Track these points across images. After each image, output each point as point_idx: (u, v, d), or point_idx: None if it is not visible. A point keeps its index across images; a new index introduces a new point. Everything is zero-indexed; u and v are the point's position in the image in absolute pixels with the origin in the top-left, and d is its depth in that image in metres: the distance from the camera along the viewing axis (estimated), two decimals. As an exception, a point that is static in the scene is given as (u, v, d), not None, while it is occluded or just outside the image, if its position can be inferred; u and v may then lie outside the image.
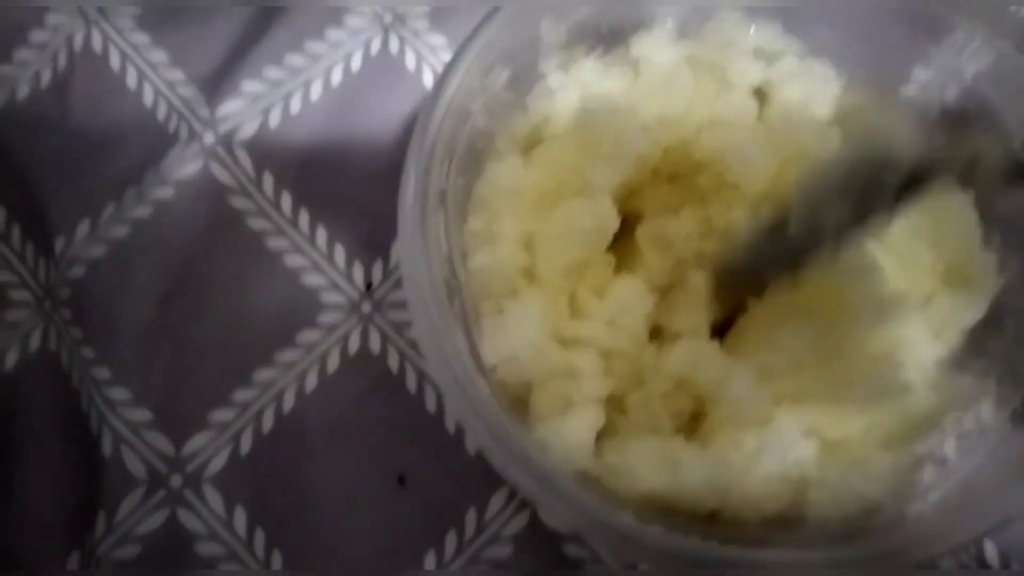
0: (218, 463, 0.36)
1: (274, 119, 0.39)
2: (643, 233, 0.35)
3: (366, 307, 0.38)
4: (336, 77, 0.40)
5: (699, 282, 0.33)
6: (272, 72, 0.40)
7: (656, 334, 0.34)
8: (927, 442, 0.30)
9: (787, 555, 0.26)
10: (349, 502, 0.35)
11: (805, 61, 0.35)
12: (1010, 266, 0.32)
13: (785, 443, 0.29)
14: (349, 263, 0.38)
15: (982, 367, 0.32)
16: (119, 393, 0.36)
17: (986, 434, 0.30)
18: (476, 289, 0.30)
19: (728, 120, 0.35)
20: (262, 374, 0.37)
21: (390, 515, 0.35)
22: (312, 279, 0.38)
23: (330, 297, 0.38)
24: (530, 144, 0.34)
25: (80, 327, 0.37)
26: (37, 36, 0.40)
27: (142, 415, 0.36)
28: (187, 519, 0.35)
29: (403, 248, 0.27)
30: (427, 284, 0.26)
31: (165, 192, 0.38)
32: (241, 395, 0.36)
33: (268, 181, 0.39)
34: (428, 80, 0.41)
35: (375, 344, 0.37)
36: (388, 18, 0.41)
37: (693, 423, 0.33)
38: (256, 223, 0.38)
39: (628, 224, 0.35)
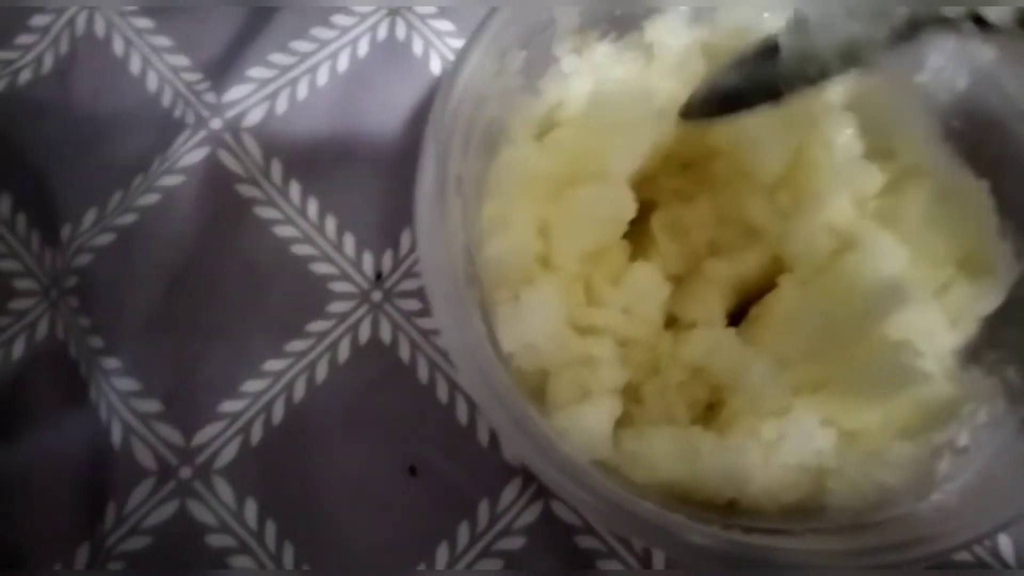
0: (228, 454, 0.35)
1: (281, 105, 0.39)
2: (657, 221, 0.35)
3: (376, 296, 0.37)
4: (343, 63, 0.40)
5: (715, 271, 0.33)
6: (278, 58, 0.40)
7: (671, 323, 0.34)
8: (945, 432, 0.30)
9: (807, 543, 0.26)
10: (360, 493, 0.35)
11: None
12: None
13: (803, 433, 0.29)
14: (359, 252, 0.38)
15: (998, 358, 0.32)
16: (128, 384, 0.35)
17: (1002, 425, 0.30)
18: (492, 276, 0.30)
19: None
20: (272, 364, 0.36)
21: (402, 506, 0.35)
22: (321, 268, 0.38)
23: (340, 286, 0.37)
24: (544, 130, 0.34)
25: (87, 316, 0.36)
26: (38, 20, 0.40)
27: (151, 406, 0.35)
28: (197, 511, 0.34)
29: (421, 233, 0.26)
30: (446, 270, 0.26)
31: (173, 179, 0.37)
32: (251, 385, 0.36)
33: (276, 169, 0.38)
34: (436, 66, 0.40)
35: (386, 334, 0.37)
36: (396, 3, 0.40)
37: (709, 413, 0.33)
38: (264, 211, 0.38)
39: (642, 213, 0.34)
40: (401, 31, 0.40)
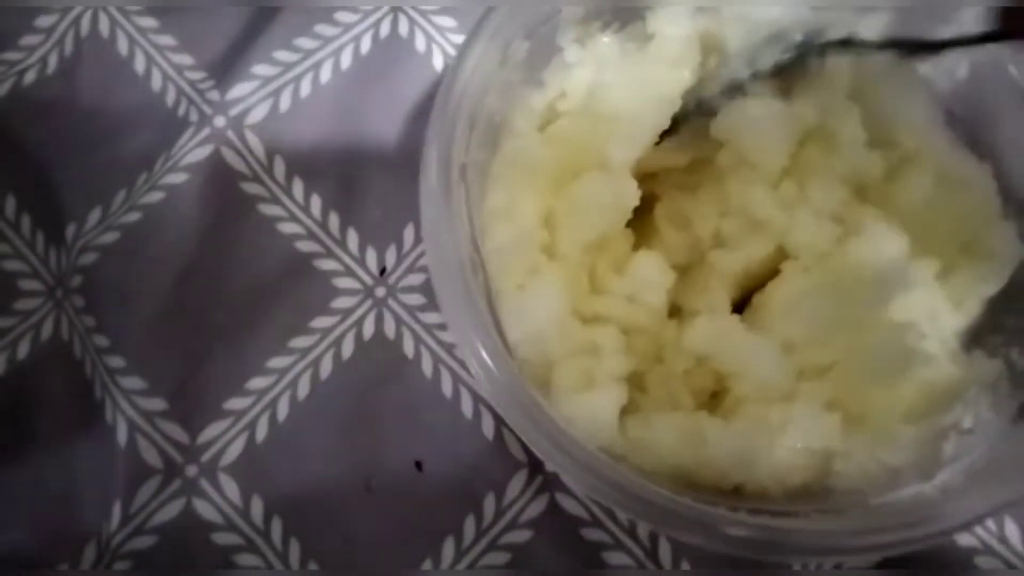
0: (234, 452, 0.35)
1: (284, 102, 0.39)
2: (661, 211, 0.35)
3: (380, 292, 0.37)
4: (346, 60, 0.40)
5: (720, 262, 0.33)
6: (282, 55, 0.40)
7: (675, 313, 0.34)
8: (949, 415, 0.30)
9: (813, 524, 0.26)
10: (367, 489, 0.35)
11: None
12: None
13: (809, 417, 0.29)
14: (362, 248, 0.38)
15: (1002, 340, 0.32)
16: (133, 382, 0.35)
17: (1007, 406, 0.30)
18: (497, 266, 0.30)
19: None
20: (277, 361, 0.36)
21: (408, 501, 0.35)
22: (325, 264, 0.38)
23: (344, 282, 0.37)
24: (547, 121, 0.34)
25: (92, 315, 0.36)
26: (43, 21, 0.40)
27: (156, 404, 0.35)
28: (203, 509, 0.34)
29: (426, 222, 0.26)
30: (451, 258, 0.26)
31: (177, 177, 0.37)
32: (256, 383, 0.36)
33: (279, 166, 0.38)
34: (438, 62, 0.40)
35: (390, 329, 0.37)
36: (396, 1, 0.41)
37: (714, 400, 0.33)
38: (268, 209, 0.38)
39: (645, 206, 0.34)
40: (404, 27, 0.40)
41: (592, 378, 0.30)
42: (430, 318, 0.37)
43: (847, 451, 0.29)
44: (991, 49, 0.32)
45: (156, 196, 0.37)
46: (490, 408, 0.36)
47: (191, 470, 0.35)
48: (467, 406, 0.36)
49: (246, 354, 0.36)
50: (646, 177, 0.35)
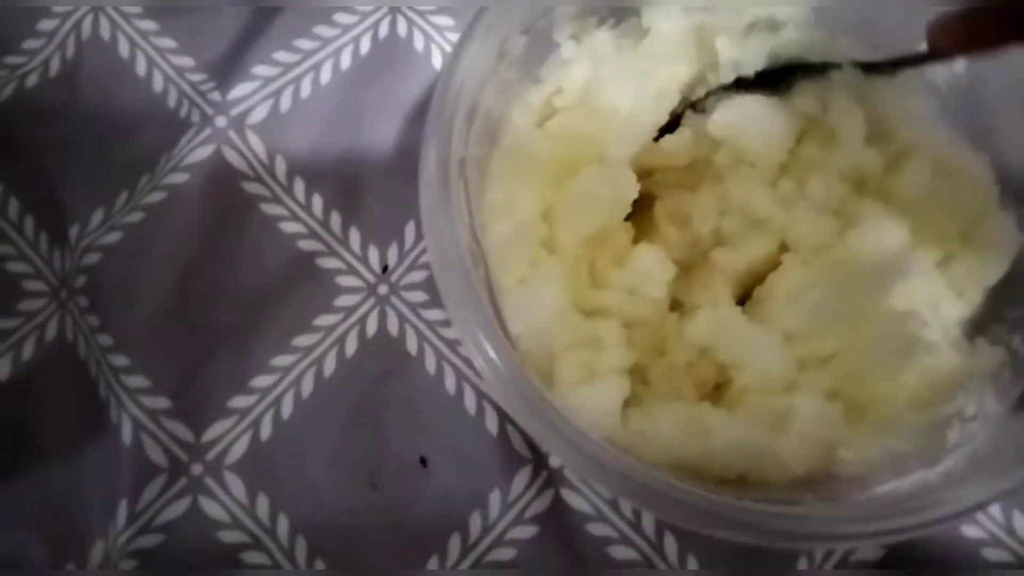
0: (239, 450, 0.35)
1: (285, 103, 0.39)
2: (660, 209, 0.35)
3: (383, 289, 0.37)
4: (345, 60, 0.40)
5: (723, 260, 0.33)
6: (282, 56, 0.40)
7: (676, 308, 0.34)
8: (952, 404, 0.30)
9: (816, 510, 0.26)
10: (372, 486, 0.35)
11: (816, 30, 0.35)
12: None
13: (812, 406, 0.29)
14: (364, 246, 0.38)
15: (1004, 329, 0.32)
16: (137, 381, 0.35)
17: (1009, 394, 0.30)
18: (497, 260, 0.30)
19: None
20: (280, 359, 0.36)
21: (414, 498, 0.35)
22: (328, 263, 0.38)
23: (346, 280, 0.38)
24: (545, 116, 0.34)
25: (96, 315, 0.36)
26: (45, 25, 0.40)
27: (161, 402, 0.35)
28: (209, 507, 0.34)
29: (426, 215, 0.26)
30: (453, 252, 0.26)
31: (179, 177, 0.38)
32: (260, 381, 0.36)
33: (281, 166, 0.39)
34: (437, 61, 0.40)
35: (393, 326, 0.37)
36: (396, 1, 0.41)
37: (716, 393, 0.33)
38: (270, 208, 0.38)
39: (643, 205, 0.35)
40: (402, 28, 0.41)
41: (594, 371, 0.30)
42: (433, 315, 0.37)
43: (851, 439, 0.29)
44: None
45: (158, 196, 0.37)
46: (494, 404, 0.36)
47: (196, 468, 0.35)
48: (471, 402, 0.36)
49: (249, 352, 0.36)
50: (645, 175, 0.35)
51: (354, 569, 0.34)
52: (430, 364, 0.37)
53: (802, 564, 0.34)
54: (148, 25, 0.41)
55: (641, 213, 0.35)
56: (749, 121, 0.33)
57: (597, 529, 0.35)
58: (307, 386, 0.36)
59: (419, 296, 0.37)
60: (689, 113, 0.35)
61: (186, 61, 0.40)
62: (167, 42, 0.40)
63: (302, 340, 0.37)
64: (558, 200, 0.32)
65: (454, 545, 0.34)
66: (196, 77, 0.40)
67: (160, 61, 0.40)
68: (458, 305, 0.26)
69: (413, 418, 0.36)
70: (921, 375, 0.30)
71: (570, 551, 0.35)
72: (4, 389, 0.35)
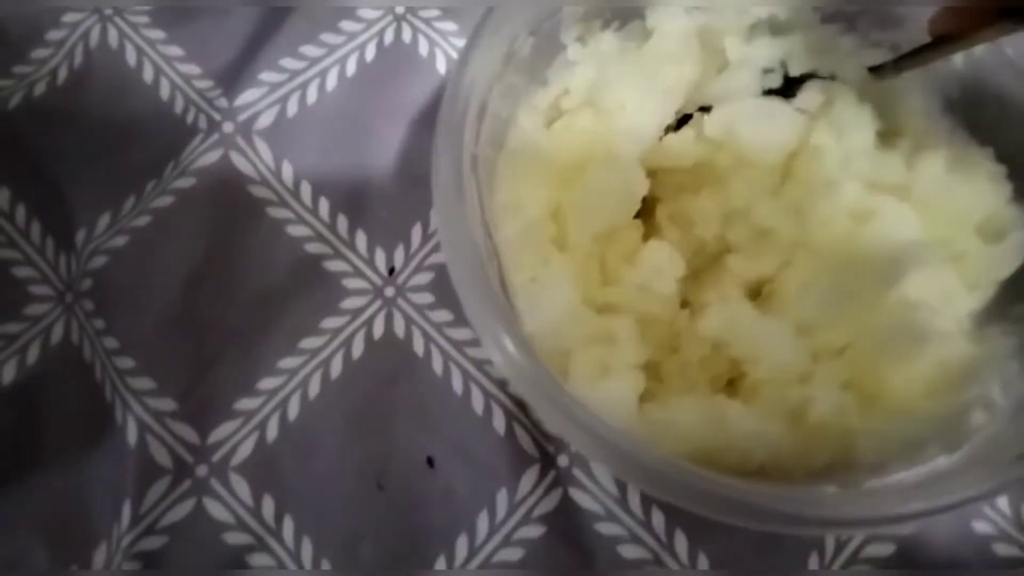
0: (244, 451, 0.35)
1: (292, 108, 0.40)
2: (663, 211, 0.36)
3: (389, 291, 0.38)
4: (351, 67, 0.41)
5: (737, 266, 0.33)
6: (289, 62, 0.40)
7: (685, 306, 0.34)
8: (968, 390, 0.30)
9: (834, 498, 0.26)
10: (379, 487, 0.35)
11: (817, 30, 0.36)
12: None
13: (828, 396, 0.29)
14: (371, 249, 0.38)
15: (1015, 320, 0.32)
16: (143, 383, 0.35)
17: (1018, 385, 0.30)
18: (509, 258, 0.30)
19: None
20: (287, 362, 0.36)
21: (421, 498, 0.35)
22: (335, 265, 0.38)
23: (353, 283, 0.38)
24: (552, 118, 0.34)
25: (102, 318, 0.36)
26: (54, 35, 0.41)
27: (166, 404, 0.35)
28: (214, 508, 0.34)
29: (440, 210, 0.26)
30: (468, 249, 0.26)
31: (186, 182, 0.38)
32: (266, 383, 0.36)
33: (287, 170, 0.39)
34: (441, 67, 0.41)
35: (400, 328, 0.37)
36: (400, 9, 0.42)
37: (730, 388, 0.33)
38: (277, 212, 0.38)
39: (646, 208, 0.35)
40: (407, 34, 0.41)
41: (609, 367, 0.30)
42: (439, 316, 0.37)
43: (868, 428, 0.29)
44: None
45: (166, 200, 0.37)
46: (501, 404, 0.36)
47: (202, 470, 0.35)
48: (478, 403, 0.36)
49: (256, 355, 0.36)
50: (649, 177, 0.35)
51: (360, 570, 0.34)
52: (437, 365, 0.37)
53: (813, 563, 0.34)
54: (155, 34, 0.41)
55: (643, 216, 0.35)
56: (747, 122, 0.34)
57: (606, 528, 0.35)
58: (314, 388, 0.36)
59: (426, 298, 0.37)
60: (698, 115, 0.35)
61: (193, 69, 0.41)
62: (174, 50, 0.41)
63: (309, 342, 0.37)
64: (567, 198, 0.32)
65: (461, 545, 0.34)
66: (203, 84, 0.40)
67: (167, 69, 0.40)
68: (475, 300, 0.26)
69: (420, 419, 0.36)
70: (934, 364, 0.30)
71: (579, 551, 0.34)
72: (9, 392, 0.35)
